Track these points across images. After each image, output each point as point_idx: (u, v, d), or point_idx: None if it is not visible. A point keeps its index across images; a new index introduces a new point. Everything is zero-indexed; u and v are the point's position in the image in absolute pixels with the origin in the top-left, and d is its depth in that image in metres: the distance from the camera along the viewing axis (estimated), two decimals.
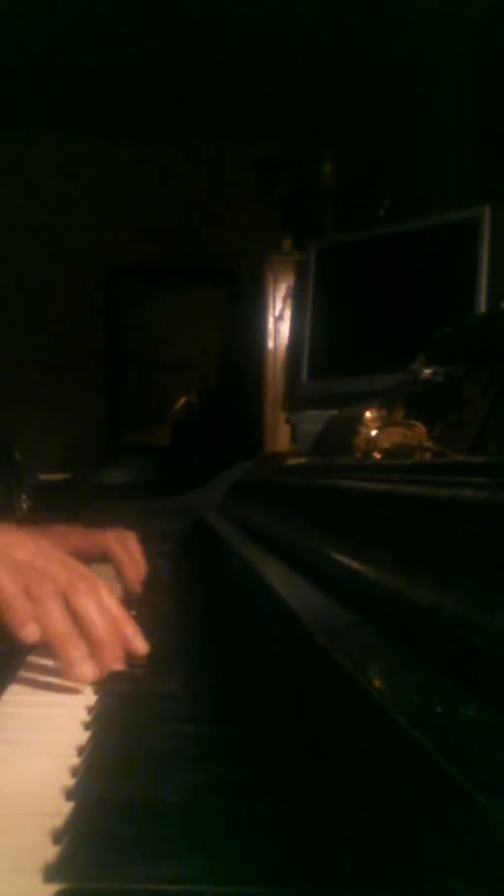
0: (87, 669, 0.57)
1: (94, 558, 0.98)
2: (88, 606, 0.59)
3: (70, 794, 0.38)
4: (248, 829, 0.35)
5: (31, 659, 0.64)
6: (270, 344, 2.70)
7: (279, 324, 2.70)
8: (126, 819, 0.36)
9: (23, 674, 0.61)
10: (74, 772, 0.41)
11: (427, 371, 0.86)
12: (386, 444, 0.78)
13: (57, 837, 0.34)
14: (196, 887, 0.31)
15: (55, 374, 3.88)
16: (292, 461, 1.29)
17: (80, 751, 0.44)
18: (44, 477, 3.27)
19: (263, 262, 2.73)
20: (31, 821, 0.36)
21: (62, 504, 2.32)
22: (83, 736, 0.47)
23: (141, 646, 0.62)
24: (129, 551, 0.96)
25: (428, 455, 0.71)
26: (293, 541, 0.76)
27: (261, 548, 0.85)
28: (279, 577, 0.64)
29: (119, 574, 0.96)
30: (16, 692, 0.57)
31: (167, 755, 0.44)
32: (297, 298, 2.62)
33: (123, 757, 0.43)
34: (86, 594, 0.59)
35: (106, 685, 0.57)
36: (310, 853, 0.33)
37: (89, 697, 0.55)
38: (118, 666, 0.59)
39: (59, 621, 0.57)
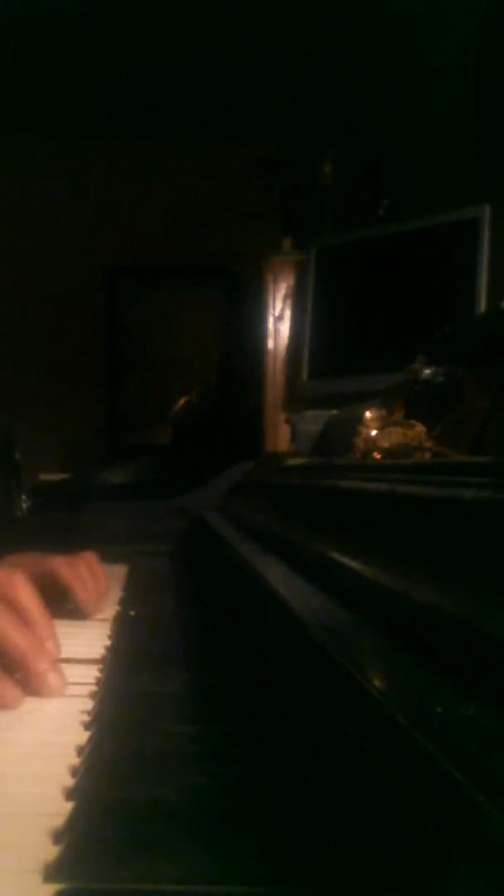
0: (9, 692, 0.52)
1: (48, 586, 0.88)
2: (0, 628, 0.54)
3: (70, 794, 0.38)
4: (248, 829, 0.35)
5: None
6: (270, 344, 2.70)
7: (279, 324, 2.70)
8: (126, 819, 0.36)
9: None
10: (74, 772, 0.41)
11: (427, 371, 0.86)
12: (386, 444, 0.78)
13: (57, 837, 0.34)
14: (196, 887, 0.31)
15: (55, 374, 3.88)
16: (292, 461, 1.28)
17: (80, 751, 0.44)
18: (44, 477, 3.27)
19: (263, 262, 2.73)
20: (31, 821, 0.36)
21: (62, 504, 2.32)
22: (83, 736, 0.47)
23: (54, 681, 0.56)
24: (81, 576, 0.86)
25: (428, 455, 0.71)
26: (293, 541, 0.76)
27: (261, 548, 0.85)
28: (279, 577, 0.64)
29: (70, 598, 0.85)
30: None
31: (167, 755, 0.44)
32: (297, 298, 2.62)
33: (123, 757, 0.43)
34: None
35: (105, 682, 0.57)
36: (310, 853, 0.33)
37: (89, 698, 0.55)
38: (53, 677, 0.55)
39: None
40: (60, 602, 0.83)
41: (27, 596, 0.59)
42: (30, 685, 0.54)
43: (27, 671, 0.54)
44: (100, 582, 0.89)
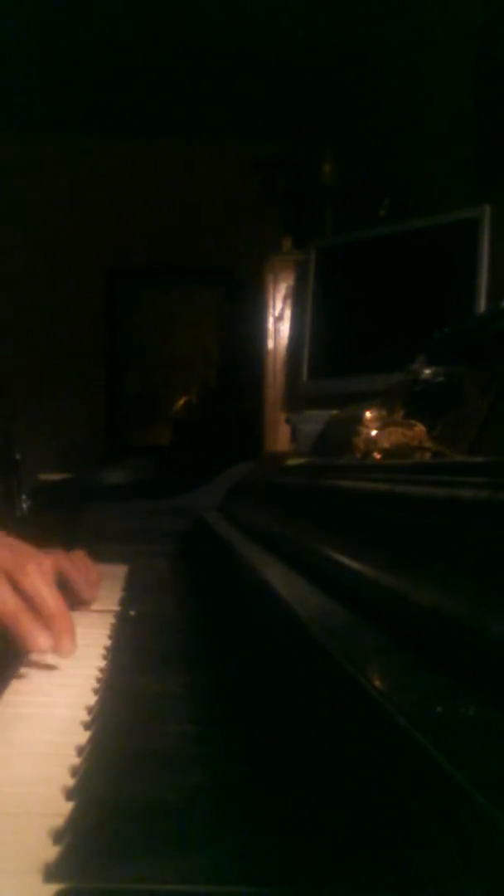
0: (43, 639, 0.60)
1: None
2: (36, 585, 0.62)
3: (70, 794, 0.38)
4: (248, 829, 0.35)
5: (31, 659, 0.64)
6: (270, 344, 2.70)
7: (279, 324, 2.69)
8: (126, 819, 0.36)
9: (22, 673, 0.61)
10: (74, 772, 0.41)
11: (427, 371, 0.86)
12: (386, 444, 0.78)
13: (57, 837, 0.34)
14: (196, 887, 0.31)
15: (55, 374, 3.88)
16: (292, 461, 1.28)
17: (80, 751, 0.44)
18: (44, 477, 3.27)
19: (263, 262, 2.73)
20: (31, 821, 0.36)
21: (62, 504, 2.32)
22: (83, 736, 0.47)
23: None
24: (79, 569, 0.92)
25: (428, 455, 0.71)
26: (293, 541, 0.76)
27: (261, 548, 0.85)
28: (279, 577, 0.64)
29: (71, 588, 0.91)
30: (15, 692, 0.57)
31: (167, 755, 0.44)
32: (297, 298, 2.62)
33: (123, 757, 0.43)
34: (33, 574, 0.62)
35: (105, 682, 0.57)
36: (310, 853, 0.33)
37: (89, 697, 0.55)
38: (69, 639, 0.62)
39: (8, 600, 0.60)
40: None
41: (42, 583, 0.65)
42: (55, 637, 0.61)
43: (53, 627, 0.61)
44: (93, 573, 0.96)
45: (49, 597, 0.62)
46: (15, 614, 0.60)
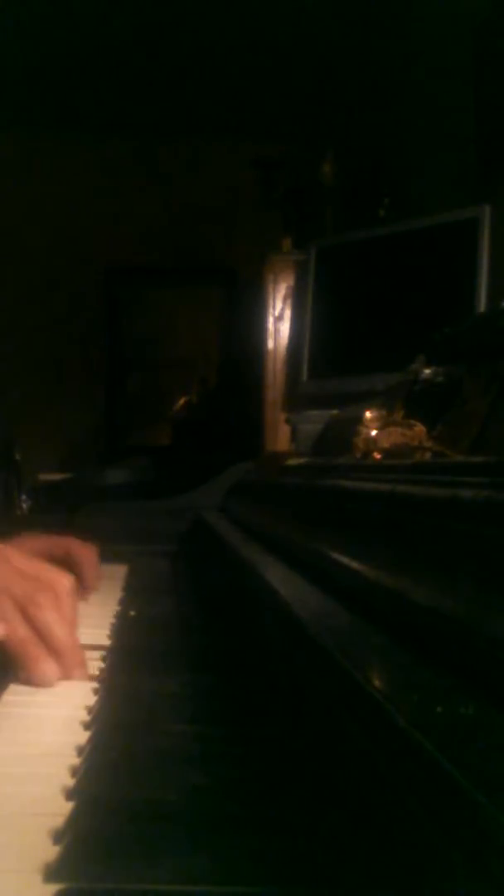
0: (50, 668, 0.58)
1: (57, 560, 0.95)
2: (48, 619, 0.59)
3: (70, 794, 0.38)
4: (248, 829, 0.35)
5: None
6: (270, 344, 2.70)
7: (279, 324, 2.70)
8: (126, 819, 0.36)
9: (23, 674, 0.61)
10: (74, 772, 0.41)
11: (427, 371, 0.86)
12: (386, 444, 0.78)
13: (57, 837, 0.34)
14: (196, 887, 0.31)
15: (55, 374, 3.89)
16: (292, 461, 1.28)
17: (80, 751, 0.44)
18: (44, 477, 3.27)
19: (263, 262, 2.73)
20: (31, 821, 0.36)
21: (62, 504, 2.32)
22: (83, 736, 0.47)
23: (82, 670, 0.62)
24: (89, 557, 0.96)
25: (428, 455, 0.71)
26: (293, 541, 0.76)
27: (261, 548, 0.85)
28: (279, 577, 0.64)
29: (80, 576, 0.94)
30: (15, 692, 0.57)
31: (167, 755, 0.44)
32: (297, 298, 2.62)
33: (123, 757, 0.43)
34: (44, 605, 0.60)
35: (105, 682, 0.57)
36: (310, 853, 0.33)
37: (89, 697, 0.55)
38: (80, 673, 0.59)
39: (17, 629, 0.58)
40: None
41: (72, 602, 0.63)
42: (64, 670, 0.59)
43: (62, 661, 0.59)
44: (97, 569, 0.98)
45: (61, 632, 0.59)
46: (23, 643, 0.58)
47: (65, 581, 0.63)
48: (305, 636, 0.45)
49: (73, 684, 0.58)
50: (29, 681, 0.57)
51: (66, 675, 0.59)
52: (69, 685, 0.58)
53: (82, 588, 0.91)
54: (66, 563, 0.91)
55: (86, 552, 0.96)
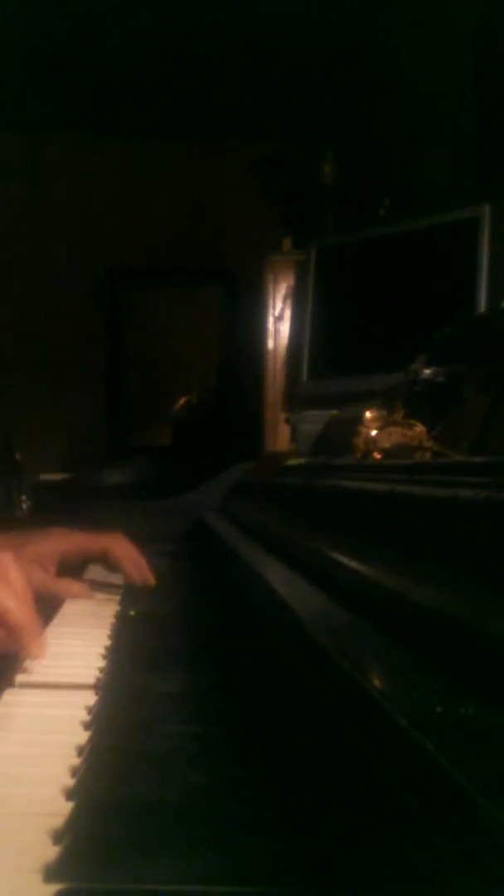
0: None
1: (94, 558, 0.99)
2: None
3: (70, 794, 0.38)
4: (248, 829, 0.35)
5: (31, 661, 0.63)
6: (270, 344, 2.70)
7: (279, 324, 2.69)
8: (126, 819, 0.36)
9: (22, 674, 0.61)
10: (74, 772, 0.41)
11: (427, 371, 0.86)
12: (386, 444, 0.78)
13: (57, 837, 0.34)
14: (196, 887, 0.31)
15: (55, 373, 3.88)
16: (292, 461, 1.28)
17: (80, 751, 0.44)
18: (44, 477, 3.27)
19: (263, 262, 2.73)
20: (31, 821, 0.36)
21: (62, 504, 2.32)
22: (83, 736, 0.47)
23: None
24: (127, 553, 0.98)
25: (428, 455, 0.71)
26: (293, 541, 0.76)
27: (261, 548, 0.85)
28: (279, 577, 0.64)
29: (123, 573, 0.98)
30: (15, 692, 0.57)
31: (167, 755, 0.44)
32: (297, 298, 2.62)
33: (123, 757, 0.43)
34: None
35: (105, 682, 0.57)
36: (309, 853, 0.33)
37: (89, 697, 0.55)
38: (37, 644, 0.61)
39: None
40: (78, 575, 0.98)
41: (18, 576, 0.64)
42: (17, 643, 0.60)
43: (17, 636, 0.60)
44: (140, 559, 1.00)
45: (9, 604, 0.61)
46: None
47: (3, 557, 0.64)
48: (305, 636, 0.45)
49: (73, 684, 0.58)
50: None
51: (22, 650, 0.60)
52: (69, 685, 0.58)
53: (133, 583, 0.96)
54: (104, 562, 0.98)
55: (123, 550, 0.98)
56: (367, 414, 0.83)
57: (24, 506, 2.76)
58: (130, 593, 0.97)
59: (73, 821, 0.35)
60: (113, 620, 0.82)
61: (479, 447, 0.67)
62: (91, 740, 0.46)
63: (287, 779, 0.40)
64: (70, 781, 0.40)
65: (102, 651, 0.67)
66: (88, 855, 0.32)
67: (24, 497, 2.80)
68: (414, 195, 2.77)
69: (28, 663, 0.63)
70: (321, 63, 3.14)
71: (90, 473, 3.16)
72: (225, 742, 0.46)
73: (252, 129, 3.62)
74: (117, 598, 0.96)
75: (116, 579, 1.05)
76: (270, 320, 2.70)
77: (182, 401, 4.08)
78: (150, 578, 0.98)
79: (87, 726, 0.49)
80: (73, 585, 0.93)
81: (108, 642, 0.71)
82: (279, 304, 2.69)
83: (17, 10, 2.84)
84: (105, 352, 4.01)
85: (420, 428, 0.75)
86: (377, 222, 2.49)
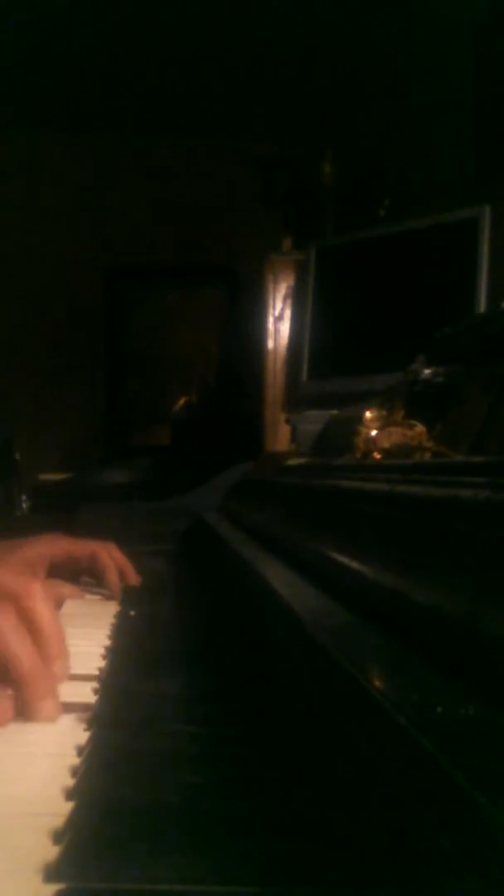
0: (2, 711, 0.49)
1: (82, 565, 0.99)
2: (8, 641, 0.50)
3: (70, 794, 0.38)
4: (247, 829, 0.35)
5: None
6: (270, 344, 2.70)
7: (279, 324, 2.69)
8: (126, 819, 0.36)
9: None
10: (74, 772, 0.41)
11: (427, 371, 0.86)
12: (386, 444, 0.78)
13: (57, 837, 0.34)
14: (196, 887, 0.31)
15: (55, 373, 3.89)
16: (292, 461, 1.28)
17: (80, 751, 0.44)
18: (44, 477, 3.27)
19: (263, 262, 2.73)
20: (31, 821, 0.36)
21: (62, 504, 2.32)
22: (83, 736, 0.47)
23: (63, 667, 0.55)
24: (116, 561, 0.99)
25: (428, 455, 0.71)
26: (293, 541, 0.76)
27: (261, 548, 0.85)
28: (279, 577, 0.64)
29: (107, 581, 0.98)
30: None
31: (167, 755, 0.44)
32: (297, 298, 2.62)
33: (123, 757, 0.43)
34: (4, 631, 0.50)
35: (105, 682, 0.57)
36: (309, 853, 0.33)
37: (89, 697, 0.55)
38: (49, 703, 0.50)
39: None
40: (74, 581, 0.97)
41: (44, 609, 0.54)
42: (24, 707, 0.50)
43: (24, 692, 0.50)
44: (128, 568, 1.00)
45: (23, 658, 0.50)
46: None
47: (32, 589, 0.54)
48: (305, 636, 0.45)
49: (74, 684, 0.58)
50: None
51: (29, 712, 0.49)
52: (69, 685, 0.58)
53: (108, 590, 0.96)
54: (91, 568, 0.98)
55: (109, 556, 0.98)
56: (367, 414, 0.83)
57: (24, 506, 2.76)
58: (130, 594, 0.97)
59: (73, 821, 0.35)
60: (112, 621, 0.82)
61: (479, 447, 0.67)
62: (91, 740, 0.46)
63: (287, 779, 0.40)
64: (70, 781, 0.40)
65: (102, 651, 0.67)
66: (88, 855, 0.32)
67: (23, 497, 2.80)
68: (414, 195, 2.77)
69: None
70: (321, 63, 3.14)
71: (90, 473, 3.16)
72: (225, 742, 0.46)
73: (252, 129, 3.62)
74: (117, 598, 0.96)
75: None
76: (270, 320, 2.70)
77: (182, 401, 4.08)
78: (119, 588, 0.97)
79: (87, 726, 0.49)
80: (64, 587, 0.92)
81: (107, 642, 0.71)
82: (279, 304, 2.69)
83: (16, 10, 2.84)
84: (105, 352, 4.01)
85: (420, 428, 0.75)
86: (377, 222, 2.49)
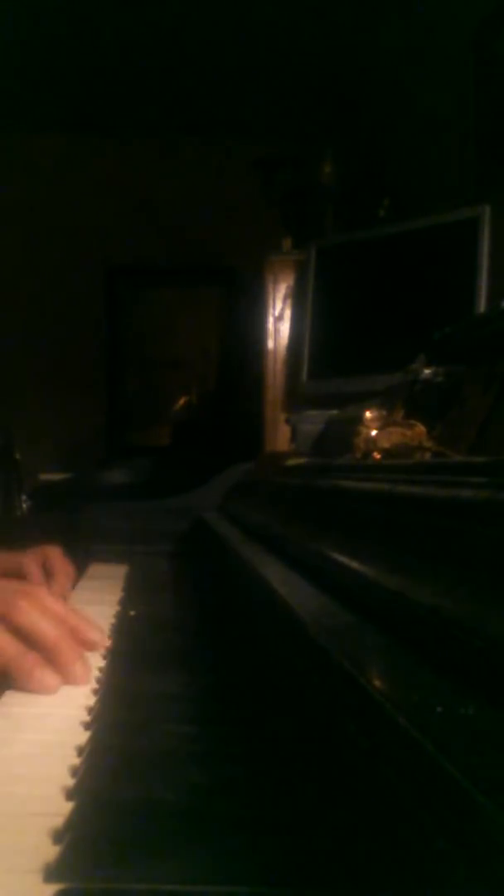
0: (48, 678, 0.56)
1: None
2: (32, 619, 0.58)
3: (70, 794, 0.38)
4: (248, 829, 0.35)
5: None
6: (270, 344, 2.70)
7: (279, 324, 2.69)
8: (126, 819, 0.36)
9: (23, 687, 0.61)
10: (74, 772, 0.41)
11: (427, 371, 0.86)
12: (386, 444, 0.78)
13: (57, 837, 0.34)
14: (196, 887, 0.31)
15: (55, 374, 3.88)
16: (292, 461, 1.28)
17: (80, 751, 0.44)
18: (44, 477, 3.27)
19: (263, 262, 2.73)
20: (31, 821, 0.36)
21: (62, 504, 2.32)
22: (83, 736, 0.47)
23: (98, 638, 0.63)
24: (48, 570, 0.96)
25: (428, 455, 0.71)
26: (293, 541, 0.76)
27: (261, 548, 0.85)
28: (279, 577, 0.64)
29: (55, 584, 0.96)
30: (16, 693, 0.57)
31: (167, 755, 0.44)
32: (297, 298, 2.62)
33: (123, 757, 0.43)
34: (26, 609, 0.58)
35: (105, 682, 0.57)
36: (310, 853, 0.33)
37: (89, 697, 0.55)
38: (81, 667, 0.58)
39: (6, 645, 0.56)
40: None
41: (51, 597, 0.62)
42: (60, 673, 0.57)
43: (56, 660, 0.57)
44: (60, 575, 0.96)
45: (50, 631, 0.58)
46: (16, 658, 0.56)
47: (39, 588, 0.63)
48: (305, 636, 0.45)
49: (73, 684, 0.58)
50: (31, 692, 0.56)
51: (66, 678, 0.57)
52: (69, 685, 0.58)
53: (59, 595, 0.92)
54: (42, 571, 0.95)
55: (58, 558, 0.96)
56: (367, 414, 0.83)
57: (24, 506, 2.76)
58: (130, 594, 0.97)
59: (73, 821, 0.35)
60: (113, 621, 0.82)
61: (479, 447, 0.67)
62: (91, 740, 0.46)
63: (287, 779, 0.40)
64: (70, 781, 0.40)
65: (102, 651, 0.67)
66: (88, 855, 0.32)
67: (23, 497, 2.80)
68: (414, 195, 2.77)
69: None
70: (321, 63, 3.14)
71: (90, 473, 3.16)
72: (225, 742, 0.46)
73: (252, 129, 3.62)
74: (117, 598, 0.96)
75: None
76: (270, 320, 2.70)
77: (182, 401, 4.08)
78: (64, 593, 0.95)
79: (87, 726, 0.49)
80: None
81: (107, 642, 0.71)
82: (279, 304, 2.69)
83: (16, 10, 2.84)
84: (105, 352, 4.01)
85: (420, 428, 0.75)
86: (377, 222, 2.50)
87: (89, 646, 0.63)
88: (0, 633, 0.57)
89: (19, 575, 0.93)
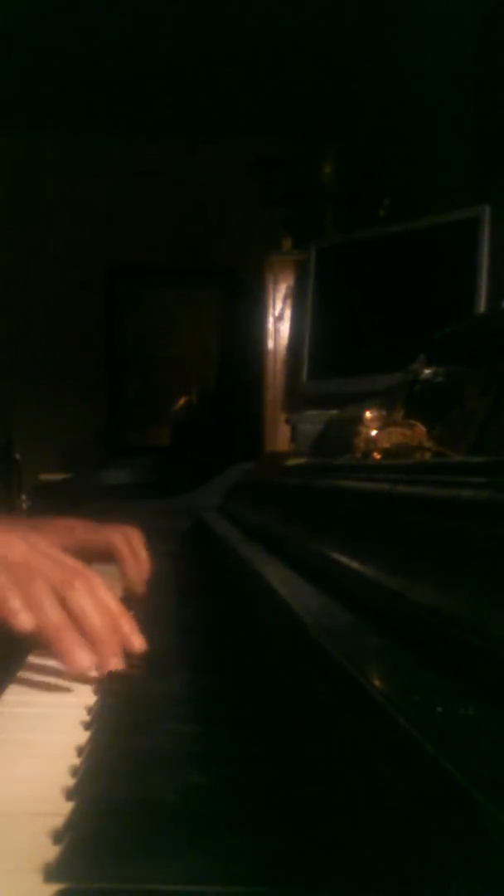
0: (85, 657, 0.57)
1: (98, 555, 0.97)
2: (83, 602, 0.59)
3: (70, 794, 0.38)
4: (247, 829, 0.35)
5: (31, 659, 0.64)
6: (270, 344, 2.70)
7: (279, 324, 2.69)
8: (126, 819, 0.36)
9: (22, 674, 0.61)
10: (74, 772, 0.41)
11: (427, 371, 0.86)
12: (386, 444, 0.78)
13: (57, 837, 0.34)
14: (196, 887, 0.31)
15: (55, 374, 3.88)
16: (292, 461, 1.28)
17: (80, 751, 0.44)
18: (44, 477, 3.27)
19: (263, 262, 2.73)
20: (31, 821, 0.36)
21: (62, 504, 2.32)
22: (83, 736, 0.47)
23: (138, 642, 0.63)
24: (133, 550, 0.96)
25: (428, 455, 0.71)
26: (293, 541, 0.76)
27: (261, 548, 0.85)
28: (279, 577, 0.64)
29: (121, 572, 0.95)
30: (16, 692, 0.57)
31: (167, 755, 0.44)
32: (297, 298, 2.62)
33: (123, 757, 0.43)
34: (80, 591, 0.59)
35: (105, 682, 0.57)
36: (310, 853, 0.33)
37: (89, 697, 0.55)
38: (116, 662, 0.59)
39: (52, 613, 0.57)
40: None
41: (105, 594, 0.62)
42: (98, 658, 0.58)
43: (97, 645, 0.58)
44: (145, 561, 0.96)
45: (98, 619, 0.59)
46: (58, 629, 0.57)
47: (94, 574, 0.62)
48: (305, 636, 0.45)
49: (73, 684, 0.58)
50: (63, 665, 0.57)
51: (102, 665, 0.58)
52: (69, 685, 0.58)
53: (125, 586, 0.93)
54: (101, 555, 0.94)
55: (129, 546, 0.95)
56: (367, 414, 0.83)
57: (24, 506, 2.76)
58: (130, 593, 0.97)
59: (73, 821, 0.35)
60: None
61: (479, 447, 0.67)
62: (91, 740, 0.46)
63: (286, 779, 0.40)
64: (70, 781, 0.40)
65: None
66: (88, 855, 0.32)
67: (23, 497, 2.80)
68: (414, 195, 2.77)
69: (28, 662, 0.63)
70: (321, 63, 3.14)
71: (90, 473, 3.16)
72: (225, 742, 0.46)
73: (252, 129, 3.62)
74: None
75: (115, 580, 1.05)
76: (270, 320, 2.70)
77: (182, 401, 4.08)
78: (141, 585, 0.95)
79: (87, 726, 0.49)
80: None
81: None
82: (279, 304, 2.69)
83: (16, 10, 2.84)
84: (105, 352, 4.01)
85: (420, 428, 0.75)
86: (377, 222, 2.49)
87: (127, 647, 0.63)
88: (51, 603, 0.57)
89: (106, 551, 0.93)
